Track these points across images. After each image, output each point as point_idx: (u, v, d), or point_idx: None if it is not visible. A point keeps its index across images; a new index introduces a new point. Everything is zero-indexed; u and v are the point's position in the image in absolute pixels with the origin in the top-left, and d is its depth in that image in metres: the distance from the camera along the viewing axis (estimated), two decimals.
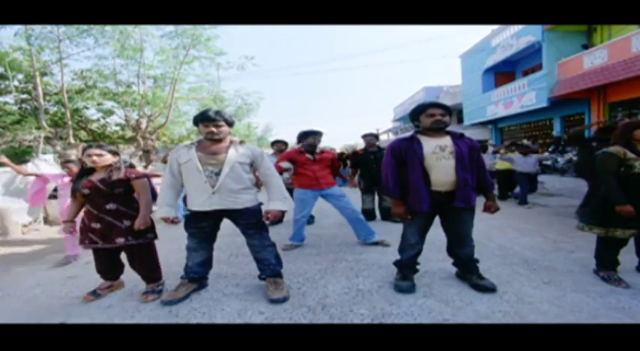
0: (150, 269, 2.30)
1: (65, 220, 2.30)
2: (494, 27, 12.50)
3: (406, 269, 2.26)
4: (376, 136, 4.79)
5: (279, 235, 3.68)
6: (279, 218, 2.27)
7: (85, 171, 2.24)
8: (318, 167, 3.24)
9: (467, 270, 2.26)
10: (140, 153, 7.01)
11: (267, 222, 2.22)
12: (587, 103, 9.65)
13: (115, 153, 2.28)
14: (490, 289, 2.10)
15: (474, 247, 2.23)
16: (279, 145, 4.81)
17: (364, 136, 4.59)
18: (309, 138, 3.27)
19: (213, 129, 2.08)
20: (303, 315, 1.92)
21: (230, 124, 2.17)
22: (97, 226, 2.15)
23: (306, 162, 3.25)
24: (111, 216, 2.16)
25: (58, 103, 9.37)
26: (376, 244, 3.22)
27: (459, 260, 2.28)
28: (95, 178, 2.18)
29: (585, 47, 9.58)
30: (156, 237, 2.32)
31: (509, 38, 11.60)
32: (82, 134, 10.11)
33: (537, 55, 10.60)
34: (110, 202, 2.17)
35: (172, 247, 3.18)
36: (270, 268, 2.23)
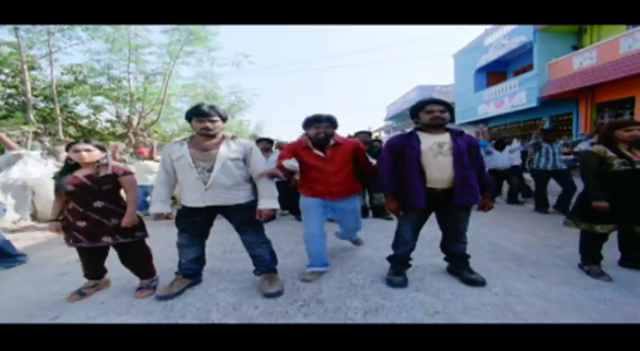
0: (142, 266, 2.29)
1: (50, 219, 2.19)
2: (488, 26, 12.64)
3: (399, 264, 2.30)
4: (369, 134, 4.83)
5: (272, 233, 3.68)
6: (270, 216, 2.23)
7: (69, 167, 2.15)
8: (332, 167, 2.32)
9: (458, 265, 2.31)
10: (131, 150, 6.95)
11: (260, 219, 2.21)
12: (576, 103, 9.84)
13: (102, 148, 2.21)
14: (480, 282, 2.16)
15: (466, 243, 2.28)
16: (263, 144, 4.63)
17: (357, 134, 4.61)
18: (311, 128, 2.35)
19: (208, 124, 2.07)
20: (297, 309, 1.95)
21: (224, 119, 2.17)
22: (82, 224, 2.08)
23: (315, 160, 2.34)
24: (98, 214, 2.09)
25: (47, 99, 9.20)
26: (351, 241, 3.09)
27: (452, 256, 2.33)
28: (81, 174, 2.09)
29: (575, 48, 9.75)
30: (146, 235, 2.27)
31: (501, 38, 11.73)
32: (72, 130, 9.94)
33: (529, 55, 10.75)
34: (98, 200, 2.10)
35: (165, 244, 3.17)
36: (264, 264, 2.24)
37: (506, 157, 5.53)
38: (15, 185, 4.79)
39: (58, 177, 2.15)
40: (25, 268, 2.96)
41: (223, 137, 2.16)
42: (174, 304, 2.03)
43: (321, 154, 2.34)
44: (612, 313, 1.79)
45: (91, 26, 7.51)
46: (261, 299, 2.07)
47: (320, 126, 2.30)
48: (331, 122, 2.35)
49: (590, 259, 2.34)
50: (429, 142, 2.09)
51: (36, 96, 9.33)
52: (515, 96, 11.17)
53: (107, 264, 2.32)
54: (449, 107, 2.15)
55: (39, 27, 6.97)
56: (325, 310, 1.93)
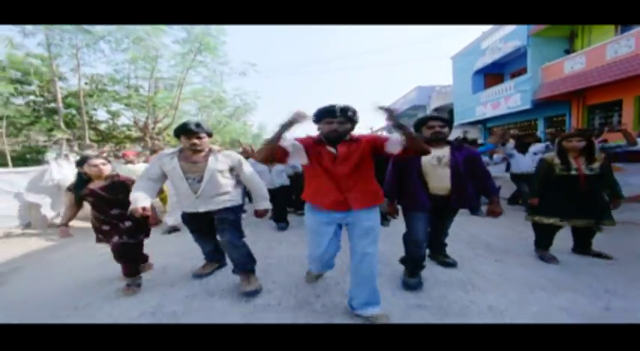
0: (132, 264, 2.47)
1: (59, 224, 2.41)
2: (485, 30, 13.03)
3: (414, 266, 2.38)
4: None
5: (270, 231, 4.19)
6: (265, 214, 2.52)
7: (83, 181, 2.39)
8: (344, 169, 1.83)
9: (437, 251, 2.82)
10: (148, 153, 7.52)
11: (258, 218, 2.55)
12: (569, 105, 10.25)
13: (108, 161, 2.47)
14: (452, 264, 2.68)
15: (448, 235, 2.77)
16: None
17: None
18: (322, 122, 1.84)
19: (196, 141, 2.24)
20: (303, 293, 2.45)
21: (209, 134, 2.35)
22: (107, 228, 2.41)
23: (325, 160, 1.86)
24: (116, 219, 2.40)
25: (71, 106, 9.86)
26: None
27: (433, 244, 2.81)
28: (95, 186, 2.35)
29: (567, 52, 10.14)
30: (146, 237, 2.56)
31: (497, 42, 12.13)
32: (91, 134, 10.61)
33: (524, 58, 11.13)
34: (114, 208, 2.38)
35: (171, 240, 3.58)
36: (240, 265, 2.37)
37: (529, 160, 4.91)
38: (51, 185, 5.35)
39: (74, 190, 2.38)
40: (64, 259, 3.41)
41: (210, 150, 2.36)
42: (208, 281, 2.59)
43: (333, 150, 1.85)
44: (549, 285, 2.31)
45: (113, 40, 8.13)
46: (274, 283, 2.58)
47: (333, 122, 1.79)
48: (347, 117, 1.81)
49: (540, 245, 2.86)
50: (429, 155, 2.13)
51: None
52: (510, 98, 11.58)
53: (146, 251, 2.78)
54: (448, 123, 2.33)
55: (67, 41, 7.60)
56: (326, 290, 2.45)
